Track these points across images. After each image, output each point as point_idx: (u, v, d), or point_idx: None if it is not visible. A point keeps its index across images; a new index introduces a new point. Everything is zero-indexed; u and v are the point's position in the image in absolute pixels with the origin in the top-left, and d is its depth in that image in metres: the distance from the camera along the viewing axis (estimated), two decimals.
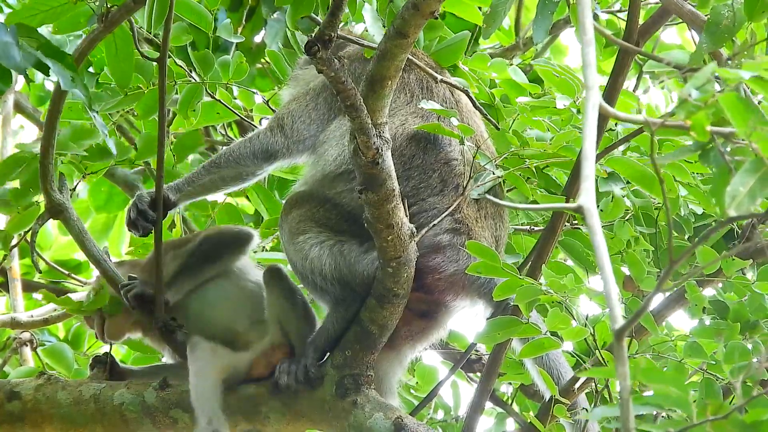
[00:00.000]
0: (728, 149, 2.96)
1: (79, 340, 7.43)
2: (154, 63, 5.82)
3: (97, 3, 5.55)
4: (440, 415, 7.13)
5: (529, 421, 5.42)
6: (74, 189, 6.18)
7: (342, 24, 5.50)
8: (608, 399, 5.62)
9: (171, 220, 6.59)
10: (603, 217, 5.78)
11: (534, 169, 5.64)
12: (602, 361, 5.25)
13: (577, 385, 5.35)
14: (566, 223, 5.94)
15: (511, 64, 6.34)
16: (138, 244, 6.61)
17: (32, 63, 4.46)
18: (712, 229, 2.84)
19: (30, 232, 5.98)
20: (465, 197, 5.41)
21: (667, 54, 5.81)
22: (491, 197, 5.38)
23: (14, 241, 6.17)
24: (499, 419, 7.15)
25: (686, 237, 6.09)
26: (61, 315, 6.97)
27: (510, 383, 6.97)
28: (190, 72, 6.48)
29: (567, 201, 5.52)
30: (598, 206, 4.07)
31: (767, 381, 4.73)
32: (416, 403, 6.90)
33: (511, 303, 5.20)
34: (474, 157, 5.42)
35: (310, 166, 5.73)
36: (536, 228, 6.31)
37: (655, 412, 4.10)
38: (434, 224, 5.33)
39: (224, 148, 5.97)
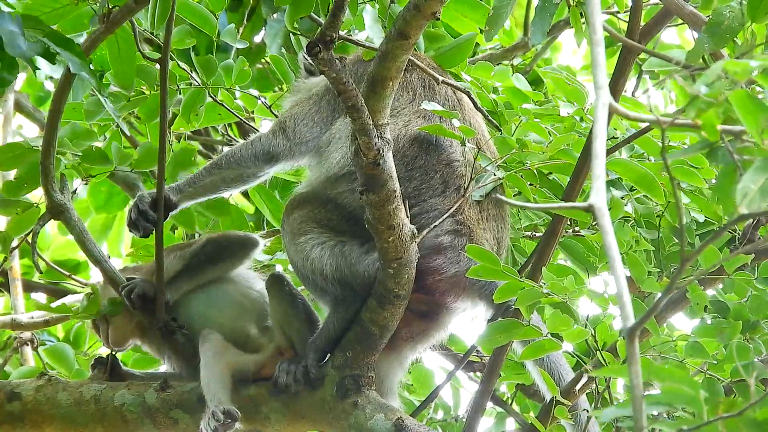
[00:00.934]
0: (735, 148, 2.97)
1: (80, 341, 7.43)
2: (156, 65, 5.81)
3: (98, 4, 5.54)
4: (440, 415, 7.13)
5: (529, 422, 5.42)
6: (74, 192, 6.17)
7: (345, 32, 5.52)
8: (608, 400, 5.62)
9: (173, 222, 6.57)
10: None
11: (536, 172, 5.64)
12: (603, 362, 5.25)
13: (578, 386, 5.35)
14: (567, 230, 5.94)
15: (512, 64, 6.35)
16: (139, 245, 6.60)
17: (38, 51, 4.44)
18: (722, 228, 2.84)
19: (31, 233, 5.97)
20: (466, 199, 5.41)
21: (667, 53, 5.81)
22: (500, 197, 5.38)
23: (14, 243, 6.16)
24: (498, 419, 7.15)
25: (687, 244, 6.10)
26: (61, 316, 6.97)
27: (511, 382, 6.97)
28: (191, 73, 6.47)
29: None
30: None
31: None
32: (416, 403, 6.90)
33: (512, 305, 5.20)
34: (475, 159, 5.43)
35: (313, 168, 5.73)
36: (537, 234, 6.31)
37: (656, 412, 4.10)
38: (435, 225, 5.33)
39: (226, 149, 5.97)
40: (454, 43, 6.10)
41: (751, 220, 6.07)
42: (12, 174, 6.18)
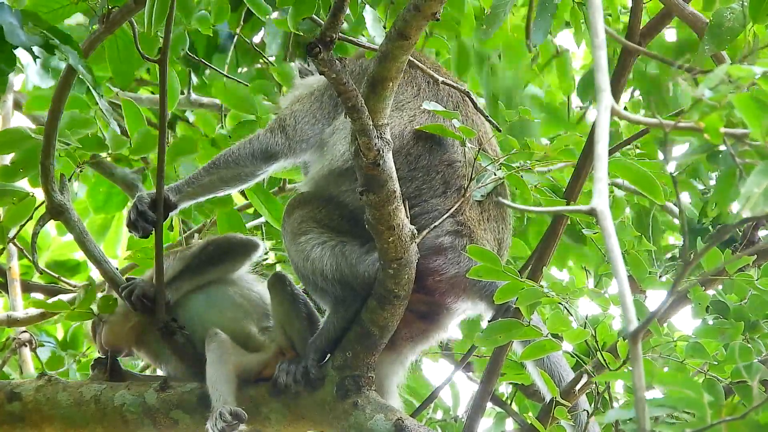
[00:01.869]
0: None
1: (78, 341, 7.42)
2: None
3: (98, 4, 5.54)
4: (439, 415, 7.13)
5: (529, 422, 5.42)
6: (71, 178, 6.13)
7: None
8: (608, 400, 5.62)
9: (170, 222, 6.57)
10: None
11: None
12: (603, 363, 5.25)
13: (578, 386, 5.35)
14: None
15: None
16: (137, 247, 6.59)
17: (38, 42, 4.44)
18: (725, 229, 2.84)
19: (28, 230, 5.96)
20: (467, 199, 5.41)
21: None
22: (501, 199, 5.38)
23: (11, 234, 6.16)
24: (498, 419, 7.15)
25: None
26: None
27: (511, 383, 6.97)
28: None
29: (567, 204, 5.53)
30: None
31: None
32: (415, 403, 6.90)
33: (513, 305, 5.20)
34: (475, 159, 5.42)
35: (315, 163, 5.71)
36: None
37: (659, 414, 4.10)
38: (435, 226, 5.33)
39: (225, 149, 5.96)
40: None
41: (751, 222, 6.08)
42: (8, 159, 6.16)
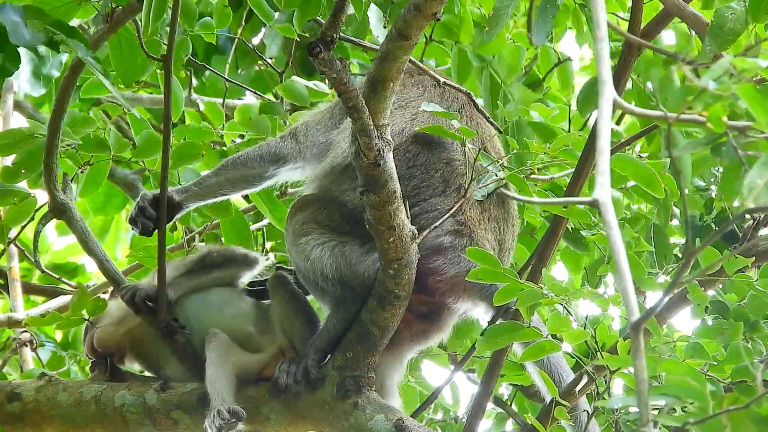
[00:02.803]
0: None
1: (78, 342, 7.42)
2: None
3: (101, 3, 5.55)
4: (439, 415, 7.13)
5: (529, 423, 5.42)
6: (73, 179, 6.13)
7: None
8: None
9: (173, 223, 6.57)
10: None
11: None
12: (603, 362, 5.25)
13: (578, 387, 5.36)
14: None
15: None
16: (139, 246, 6.58)
17: (42, 41, 4.43)
18: (725, 225, 2.85)
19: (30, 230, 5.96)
20: (467, 199, 5.41)
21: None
22: (504, 191, 5.38)
23: (12, 234, 6.16)
24: (498, 420, 7.15)
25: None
26: (57, 309, 6.94)
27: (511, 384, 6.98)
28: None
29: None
30: None
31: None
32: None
33: (513, 306, 5.20)
34: (475, 159, 5.43)
35: (320, 163, 5.71)
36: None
37: (661, 403, 4.09)
38: (435, 226, 5.33)
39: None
40: None
41: (751, 222, 6.09)
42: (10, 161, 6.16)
